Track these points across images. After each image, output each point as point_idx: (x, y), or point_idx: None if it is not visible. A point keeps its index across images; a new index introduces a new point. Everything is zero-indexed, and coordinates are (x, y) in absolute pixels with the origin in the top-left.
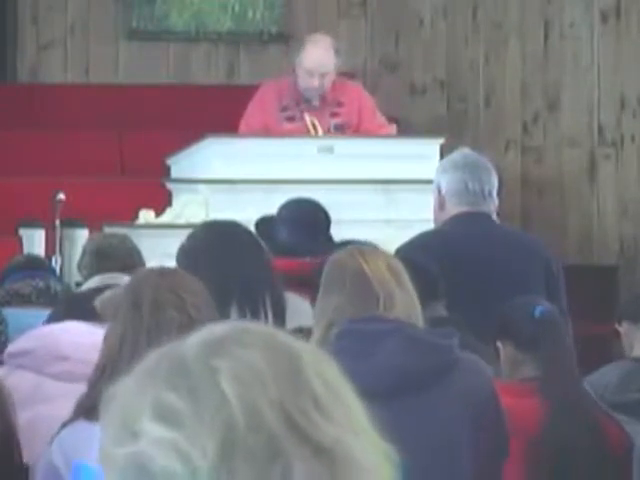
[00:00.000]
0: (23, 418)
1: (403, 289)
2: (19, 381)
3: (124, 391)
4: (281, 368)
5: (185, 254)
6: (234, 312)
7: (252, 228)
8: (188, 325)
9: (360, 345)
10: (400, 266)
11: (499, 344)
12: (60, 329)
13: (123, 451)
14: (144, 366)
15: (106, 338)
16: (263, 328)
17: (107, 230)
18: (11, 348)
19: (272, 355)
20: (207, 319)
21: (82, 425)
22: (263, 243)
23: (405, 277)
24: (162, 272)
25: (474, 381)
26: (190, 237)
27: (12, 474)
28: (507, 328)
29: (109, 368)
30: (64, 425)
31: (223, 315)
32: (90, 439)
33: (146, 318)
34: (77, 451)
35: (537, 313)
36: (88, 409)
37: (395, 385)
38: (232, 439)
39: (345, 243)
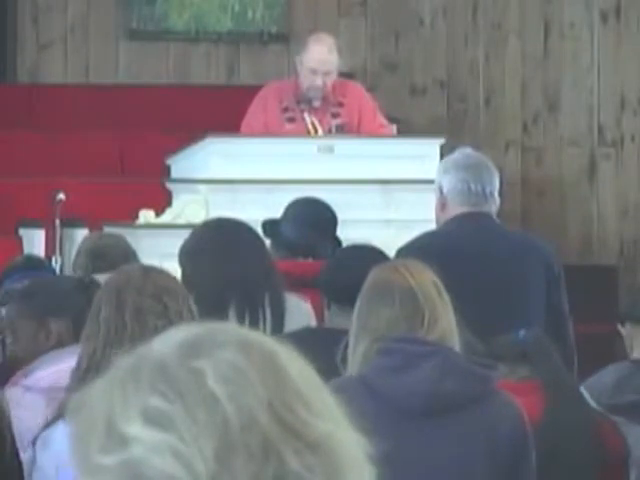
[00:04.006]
0: None
1: (445, 307)
2: None
3: (101, 398)
4: (261, 366)
5: (187, 254)
6: (232, 312)
7: (256, 228)
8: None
9: (399, 364)
10: (440, 282)
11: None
12: None
13: (114, 459)
14: (120, 372)
15: (87, 338)
16: (232, 327)
17: (107, 230)
18: (43, 381)
19: (249, 353)
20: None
21: (63, 426)
22: (269, 242)
23: (446, 294)
24: (145, 274)
25: (503, 419)
26: (192, 236)
27: (4, 474)
28: (495, 353)
29: (93, 369)
30: (46, 426)
31: (221, 316)
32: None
33: (129, 324)
34: (62, 452)
35: (521, 335)
36: None
37: (426, 406)
38: (228, 439)
39: (353, 248)
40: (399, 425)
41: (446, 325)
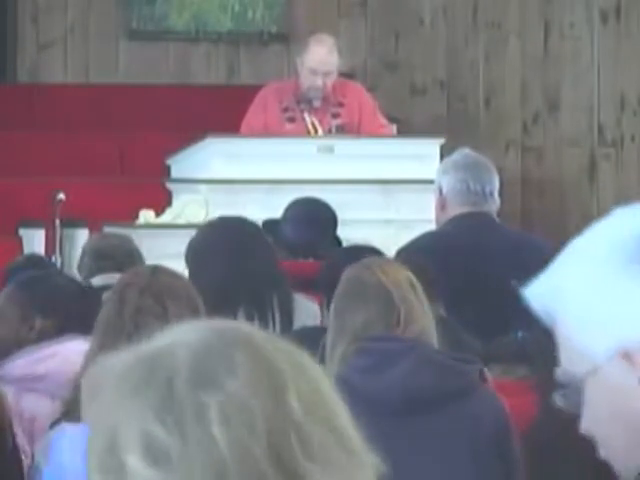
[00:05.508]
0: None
1: (420, 303)
2: (35, 406)
3: (109, 406)
4: (266, 397)
5: (194, 254)
6: (241, 312)
7: None
8: None
9: (375, 363)
10: (415, 278)
11: (486, 370)
12: (72, 352)
13: None
14: (133, 377)
15: (92, 337)
16: (249, 335)
17: (107, 230)
18: (17, 370)
19: (258, 380)
20: None
21: (66, 426)
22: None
23: (421, 289)
24: (152, 275)
25: (485, 413)
26: (198, 236)
27: (4, 468)
28: (493, 352)
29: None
30: (51, 426)
31: (229, 317)
32: (74, 439)
33: (127, 323)
34: (64, 465)
35: (520, 335)
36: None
37: (403, 403)
38: None
39: (351, 248)
40: (380, 424)
41: (423, 322)
